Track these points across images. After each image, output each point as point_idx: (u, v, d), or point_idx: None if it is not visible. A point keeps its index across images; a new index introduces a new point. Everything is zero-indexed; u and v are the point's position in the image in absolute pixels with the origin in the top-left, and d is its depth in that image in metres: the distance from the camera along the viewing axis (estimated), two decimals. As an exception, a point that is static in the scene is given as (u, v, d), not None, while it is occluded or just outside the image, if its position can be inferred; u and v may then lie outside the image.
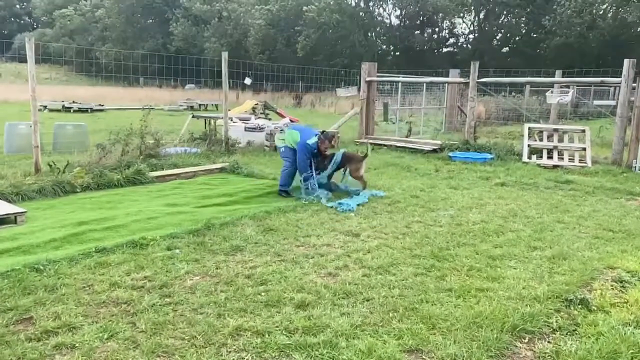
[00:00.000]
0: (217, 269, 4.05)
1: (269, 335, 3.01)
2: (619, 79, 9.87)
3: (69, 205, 6.00)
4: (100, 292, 3.55)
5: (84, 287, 3.64)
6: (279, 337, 2.98)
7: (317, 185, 6.85)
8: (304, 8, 43.01)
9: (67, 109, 22.22)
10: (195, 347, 2.90)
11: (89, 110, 22.68)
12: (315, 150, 6.98)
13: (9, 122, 10.11)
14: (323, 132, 7.27)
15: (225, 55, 10.36)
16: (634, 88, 9.76)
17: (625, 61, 9.78)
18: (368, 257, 4.41)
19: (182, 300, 3.46)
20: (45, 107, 21.37)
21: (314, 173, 6.92)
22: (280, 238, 4.87)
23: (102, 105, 24.38)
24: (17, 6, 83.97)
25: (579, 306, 3.50)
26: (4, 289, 3.51)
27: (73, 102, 23.63)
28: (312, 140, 6.93)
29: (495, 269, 4.19)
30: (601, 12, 35.06)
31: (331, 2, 42.83)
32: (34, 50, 7.04)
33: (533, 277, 4.04)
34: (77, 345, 2.87)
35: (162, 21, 57.69)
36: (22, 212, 5.30)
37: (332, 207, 6.12)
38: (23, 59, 7.65)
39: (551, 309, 3.46)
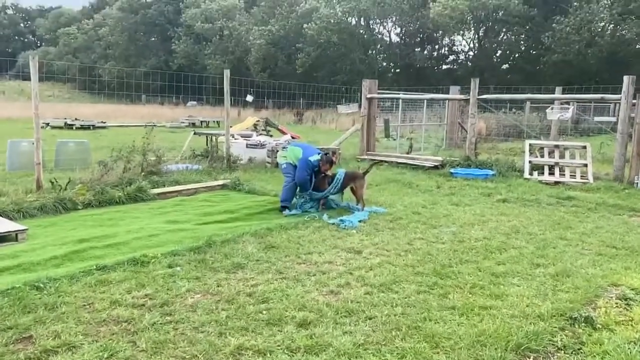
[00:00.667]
0: (218, 286, 4.03)
1: (270, 355, 2.98)
2: (619, 95, 9.92)
3: (70, 223, 5.99)
4: (100, 310, 3.52)
5: (85, 305, 3.61)
6: (280, 357, 2.95)
7: (310, 200, 6.96)
8: (304, 26, 43.48)
9: (69, 126, 22.36)
10: (196, 366, 2.87)
11: (91, 127, 22.82)
12: (317, 169, 7.00)
13: (11, 139, 10.16)
14: (326, 153, 7.32)
15: (227, 72, 10.45)
16: (634, 104, 9.79)
17: (625, 78, 9.84)
18: (370, 274, 4.38)
19: (183, 318, 3.43)
20: (47, 124, 21.51)
21: (310, 190, 6.99)
22: (282, 255, 4.85)
23: (105, 123, 24.52)
24: (21, 24, 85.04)
25: (584, 324, 3.47)
26: (4, 307, 3.48)
27: (75, 119, 23.78)
28: (314, 158, 6.96)
29: (499, 287, 4.16)
30: (599, 30, 35.37)
31: (331, 21, 43.29)
32: (37, 68, 7.11)
33: (537, 294, 4.01)
34: (76, 364, 2.84)
35: (164, 39, 58.33)
36: (23, 230, 5.29)
37: (333, 223, 6.10)
38: (27, 77, 7.71)
39: (555, 327, 3.42)
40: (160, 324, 3.35)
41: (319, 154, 7.09)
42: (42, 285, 3.84)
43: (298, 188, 6.95)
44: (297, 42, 45.52)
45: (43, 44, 76.15)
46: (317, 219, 6.32)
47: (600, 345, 3.17)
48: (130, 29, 59.30)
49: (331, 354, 2.98)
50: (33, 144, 7.40)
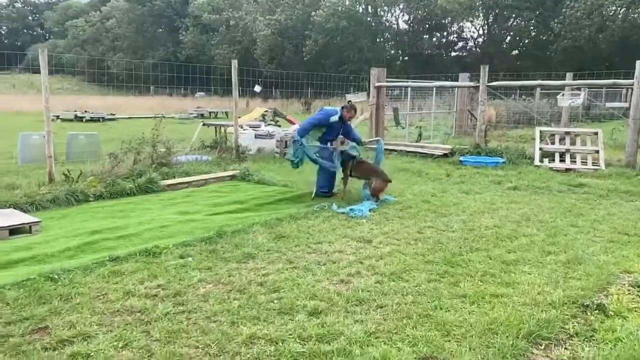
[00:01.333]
0: (229, 276, 4.06)
1: (282, 343, 3.00)
2: (632, 80, 9.78)
3: (82, 215, 6.05)
4: (114, 300, 3.57)
5: (98, 296, 3.66)
6: (292, 345, 2.97)
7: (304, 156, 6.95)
8: (312, 13, 43.21)
9: (79, 119, 22.51)
10: (210, 355, 2.90)
11: (101, 119, 22.96)
12: (336, 123, 7.04)
13: (22, 132, 10.25)
14: (349, 101, 7.41)
15: (235, 63, 10.43)
16: (646, 89, 9.65)
17: (638, 62, 9.68)
18: (380, 263, 4.39)
19: (195, 308, 3.47)
20: (57, 117, 21.67)
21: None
22: (292, 245, 4.87)
23: (114, 115, 24.67)
24: (30, 18, 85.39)
25: (596, 311, 3.46)
26: (20, 299, 3.54)
27: (85, 111, 23.94)
28: (335, 117, 7.03)
29: (510, 274, 4.15)
30: (611, 14, 34.79)
31: (339, 9, 42.97)
32: (47, 61, 7.14)
33: (548, 282, 4.00)
34: (92, 354, 2.88)
35: (171, 30, 58.32)
36: (36, 222, 5.35)
37: (343, 213, 6.11)
38: (36, 70, 7.75)
39: (567, 315, 3.41)
40: (173, 313, 3.38)
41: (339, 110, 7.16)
42: (56, 276, 3.89)
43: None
44: (304, 31, 45.27)
45: (51, 36, 76.45)
46: (326, 208, 6.32)
47: (612, 332, 3.16)
48: (138, 21, 59.31)
49: (342, 342, 3.00)
50: (44, 137, 7.45)
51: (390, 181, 6.91)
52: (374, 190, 6.74)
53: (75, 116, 22.78)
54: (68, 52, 59.40)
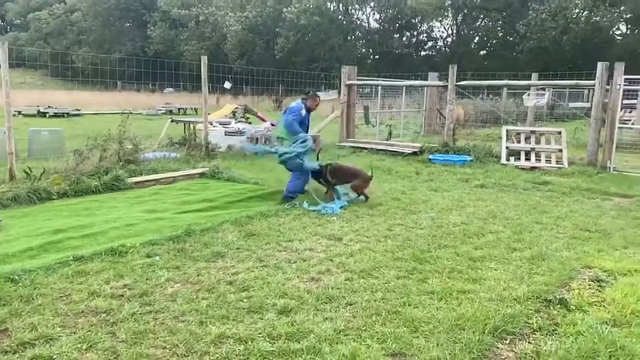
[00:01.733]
0: (198, 275, 4.00)
1: (251, 342, 2.98)
2: (593, 81, 10.10)
3: (45, 213, 5.87)
4: (78, 301, 3.47)
5: (61, 296, 3.56)
6: (262, 344, 2.96)
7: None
8: (284, 10, 43.03)
9: (42, 114, 21.80)
10: (177, 355, 2.86)
11: (65, 115, 22.29)
12: (304, 115, 6.87)
13: (-19, 128, 9.87)
14: (308, 91, 7.19)
15: (204, 59, 10.29)
16: (607, 90, 9.98)
17: (599, 64, 10.00)
18: (351, 260, 4.41)
19: (162, 308, 3.41)
20: (19, 112, 20.94)
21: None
22: (263, 243, 4.84)
23: (79, 110, 24.00)
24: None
25: (558, 306, 3.56)
26: (-22, 301, 3.41)
27: (49, 107, 23.18)
28: (303, 110, 6.86)
29: (476, 271, 4.23)
30: (574, 17, 35.83)
31: (311, 6, 42.92)
32: (7, 54, 6.90)
33: (513, 278, 4.09)
34: (54, 357, 2.80)
35: (139, 24, 57.09)
36: (-4, 221, 5.16)
37: (314, 210, 6.10)
38: (-5, 64, 7.47)
39: (531, 310, 3.50)
40: (140, 314, 3.32)
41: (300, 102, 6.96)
42: (17, 277, 3.77)
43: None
44: (275, 28, 45.04)
45: (12, 29, 73.87)
46: (297, 206, 6.31)
47: (574, 326, 3.26)
48: (104, 14, 57.83)
49: (312, 340, 3.00)
50: (5, 133, 7.20)
51: (371, 178, 6.80)
52: (354, 188, 6.75)
53: (38, 111, 22.06)
54: (30, 45, 57.50)
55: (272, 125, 14.06)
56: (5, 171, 7.01)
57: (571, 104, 22.44)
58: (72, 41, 60.76)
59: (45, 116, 21.54)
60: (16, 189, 6.37)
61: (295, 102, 7.01)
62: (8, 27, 78.14)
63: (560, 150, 10.34)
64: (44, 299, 3.49)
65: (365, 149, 12.05)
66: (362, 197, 6.74)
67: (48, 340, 2.96)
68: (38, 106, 23.04)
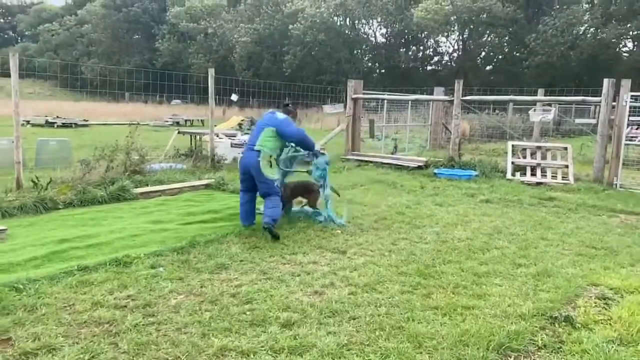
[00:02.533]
0: (201, 287, 4.00)
1: (254, 356, 2.97)
2: (599, 98, 10.09)
3: (51, 222, 5.90)
4: (81, 311, 3.48)
5: (65, 306, 3.56)
6: (264, 357, 2.95)
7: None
8: (290, 27, 43.40)
9: (50, 124, 22.02)
10: (179, 368, 2.85)
11: (73, 125, 22.50)
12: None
13: (-11, 137, 9.97)
14: (286, 104, 6.46)
15: (211, 71, 10.39)
16: (613, 107, 9.97)
17: (605, 80, 10.00)
18: (354, 274, 4.39)
19: (165, 319, 3.41)
20: (28, 122, 21.17)
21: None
22: (266, 256, 4.84)
23: (87, 121, 24.23)
24: (1, 20, 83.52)
25: (564, 323, 3.52)
26: (-18, 309, 3.42)
27: (57, 117, 23.43)
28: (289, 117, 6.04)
29: (481, 287, 4.21)
30: (581, 32, 35.94)
31: (317, 21, 43.28)
32: (17, 64, 6.99)
33: (518, 294, 4.06)
34: (57, 367, 2.80)
35: (148, 37, 57.75)
36: (2, 230, 5.19)
37: (319, 221, 6.09)
38: (6, 74, 7.57)
39: (536, 327, 3.47)
40: (143, 325, 3.31)
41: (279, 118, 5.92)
42: (21, 286, 3.78)
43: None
44: (283, 42, 45.41)
45: (23, 39, 74.87)
46: (302, 219, 6.31)
47: (579, 344, 3.22)
48: (114, 26, 58.57)
49: (315, 354, 2.99)
50: (13, 142, 7.27)
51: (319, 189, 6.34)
52: (311, 203, 6.38)
53: (47, 121, 22.29)
54: (40, 56, 58.23)
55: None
56: (13, 180, 7.06)
57: (577, 120, 22.40)
58: (82, 52, 61.53)
59: (54, 126, 21.75)
60: (23, 198, 6.42)
61: (277, 112, 6.00)
62: (19, 38, 79.20)
63: (567, 166, 10.31)
64: (48, 308, 3.50)
65: (371, 162, 12.06)
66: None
67: (51, 350, 2.97)
68: (46, 116, 23.30)
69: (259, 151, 5.68)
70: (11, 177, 7.24)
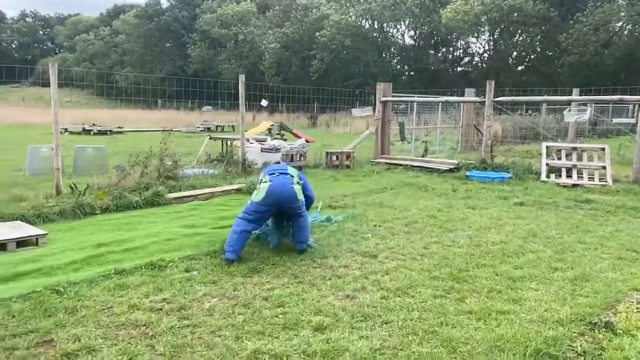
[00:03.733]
0: (234, 290, 4.05)
1: (287, 359, 2.99)
2: (638, 97, 9.76)
3: (88, 227, 6.07)
4: (119, 314, 3.57)
5: (103, 309, 3.66)
6: (297, 361, 2.95)
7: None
8: (317, 34, 43.57)
9: (87, 132, 22.68)
10: (214, 370, 2.89)
11: (109, 132, 23.11)
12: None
13: (31, 145, 10.34)
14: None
15: (242, 77, 10.52)
16: (653, 105, 9.63)
17: (644, 78, 9.68)
18: (386, 278, 4.37)
19: (200, 322, 3.46)
20: (66, 129, 21.85)
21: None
22: (297, 259, 4.86)
23: (121, 128, 24.85)
24: (40, 32, 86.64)
25: (604, 329, 3.42)
26: (25, 311, 3.55)
27: (93, 124, 24.11)
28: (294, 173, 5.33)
29: (516, 291, 4.12)
30: (617, 30, 34.89)
31: (343, 26, 43.33)
32: (57, 74, 7.23)
33: (555, 299, 3.96)
34: (96, 368, 2.88)
35: (179, 44, 58.99)
36: (43, 234, 5.37)
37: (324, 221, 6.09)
38: (45, 83, 7.86)
39: (575, 333, 3.38)
40: (178, 327, 3.38)
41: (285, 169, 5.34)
42: (62, 289, 3.90)
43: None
44: (310, 47, 45.65)
45: (61, 50, 77.45)
46: (332, 222, 6.30)
47: (621, 351, 3.12)
48: (146, 35, 60.09)
49: (347, 358, 2.98)
50: (52, 149, 7.52)
51: None
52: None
53: (84, 129, 22.97)
54: (77, 65, 60.14)
55: (307, 141, 14.18)
56: (52, 186, 7.31)
57: (615, 120, 21.73)
58: (116, 61, 63.32)
59: (90, 133, 22.40)
60: (62, 204, 6.63)
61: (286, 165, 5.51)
62: (57, 49, 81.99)
63: (604, 168, 10.00)
64: (87, 310, 3.60)
65: (400, 165, 11.98)
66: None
67: (90, 352, 3.05)
68: (83, 124, 24.00)
69: (292, 176, 5.17)
70: (51, 183, 7.49)
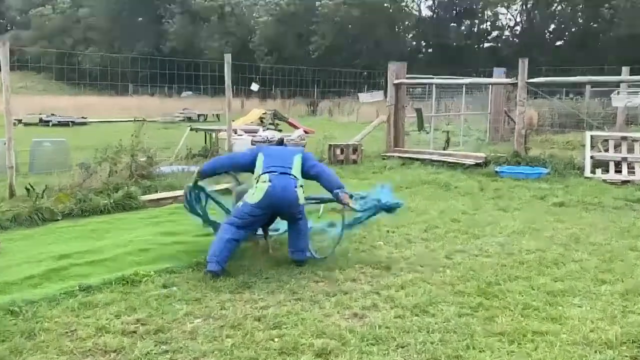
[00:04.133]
0: (221, 309, 4.06)
1: (284, 390, 3.00)
2: (700, 76, 9.77)
3: (48, 236, 6.09)
4: (85, 338, 3.58)
5: (67, 332, 3.67)
6: (296, 392, 2.97)
7: None
8: (317, 3, 43.55)
9: (45, 123, 22.75)
10: (198, 404, 2.90)
11: (70, 123, 23.20)
12: None
13: (-22, 139, 10.36)
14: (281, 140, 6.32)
15: (228, 57, 10.52)
16: None
17: None
18: (401, 294, 4.38)
19: (181, 347, 3.47)
20: (19, 120, 21.88)
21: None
22: (296, 272, 4.87)
23: (85, 118, 24.94)
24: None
25: (661, 353, 3.43)
26: (-26, 335, 3.56)
27: (52, 114, 24.18)
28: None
29: (556, 308, 4.13)
30: (674, -3, 34.87)
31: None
32: (9, 56, 7.23)
33: (603, 317, 3.97)
34: (59, 401, 2.89)
35: (154, 19, 58.98)
36: (-6, 245, 5.39)
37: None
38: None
39: (627, 356, 3.39)
40: (155, 353, 3.39)
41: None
42: (17, 309, 3.91)
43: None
44: (309, 20, 45.64)
45: (14, 27, 77.44)
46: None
47: (681, 378, 3.13)
48: (115, 9, 60.06)
49: (356, 388, 2.99)
50: (4, 144, 7.53)
51: None
52: None
53: (41, 120, 23.06)
54: (32, 44, 60.13)
55: (306, 133, 14.21)
56: (5, 188, 7.31)
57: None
58: (78, 40, 63.26)
59: (48, 125, 22.49)
60: (17, 208, 6.63)
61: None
62: (8, 25, 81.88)
63: (660, 161, 10.01)
64: (47, 334, 3.61)
65: (417, 159, 11.98)
66: None
67: (52, 383, 3.06)
68: (40, 114, 24.08)
69: (296, 178, 5.10)
70: (3, 183, 7.50)
